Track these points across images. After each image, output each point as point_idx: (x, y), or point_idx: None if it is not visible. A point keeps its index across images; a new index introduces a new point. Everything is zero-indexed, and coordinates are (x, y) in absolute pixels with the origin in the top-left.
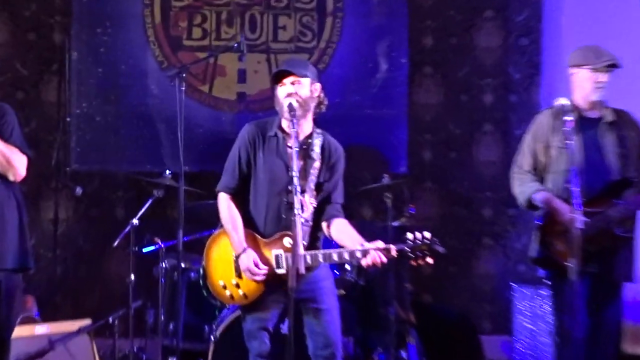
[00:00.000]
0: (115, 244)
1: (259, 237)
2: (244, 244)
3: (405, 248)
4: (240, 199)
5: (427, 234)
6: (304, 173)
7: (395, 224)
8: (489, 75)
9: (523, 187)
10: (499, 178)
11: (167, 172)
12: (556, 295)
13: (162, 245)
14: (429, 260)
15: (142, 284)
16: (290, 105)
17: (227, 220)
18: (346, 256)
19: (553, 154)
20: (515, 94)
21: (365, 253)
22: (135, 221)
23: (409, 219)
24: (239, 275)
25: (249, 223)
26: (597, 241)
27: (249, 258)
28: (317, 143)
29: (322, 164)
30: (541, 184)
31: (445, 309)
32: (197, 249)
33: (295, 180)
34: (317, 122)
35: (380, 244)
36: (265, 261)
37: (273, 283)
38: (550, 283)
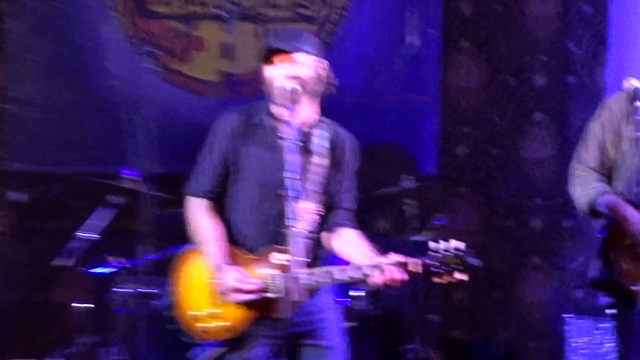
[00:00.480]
0: (61, 263)
1: (241, 253)
2: (221, 259)
3: (430, 261)
4: (218, 206)
5: (459, 243)
6: (303, 172)
7: (418, 238)
8: (543, 52)
9: (585, 188)
10: (553, 181)
11: (129, 173)
12: (621, 327)
13: (121, 265)
14: (461, 276)
15: (94, 314)
16: (284, 89)
17: (200, 230)
18: (352, 273)
19: (625, 148)
20: (574, 76)
21: (377, 269)
22: (88, 235)
23: (436, 233)
24: (215, 303)
25: (231, 235)
26: None
27: (233, 273)
28: (323, 135)
29: (330, 160)
30: (609, 185)
31: (482, 347)
32: (165, 270)
33: (288, 182)
34: (326, 111)
35: (396, 257)
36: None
37: (261, 313)
38: (614, 312)
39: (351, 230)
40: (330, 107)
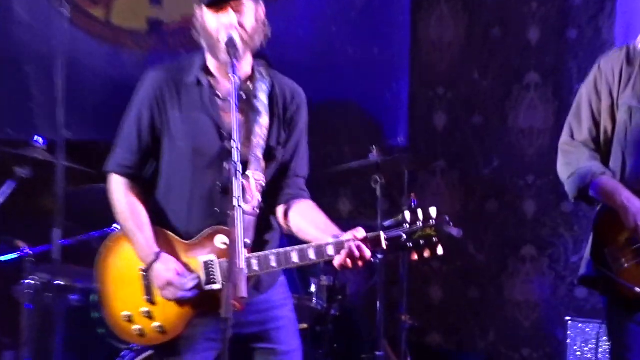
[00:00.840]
0: None
1: (177, 238)
2: (155, 247)
3: (401, 233)
4: (146, 184)
5: (433, 210)
6: (246, 135)
7: (388, 222)
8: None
9: (574, 167)
10: (548, 155)
11: (39, 140)
12: (615, 334)
13: (29, 252)
14: (439, 250)
15: None
16: (231, 40)
17: (125, 215)
18: (312, 255)
19: (623, 119)
20: (575, 28)
21: (339, 247)
22: None
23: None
24: (150, 300)
25: (162, 220)
26: None
27: (166, 265)
28: (262, 88)
29: (272, 118)
30: (604, 164)
31: (462, 355)
32: (83, 258)
33: (235, 152)
34: (271, 64)
35: (361, 232)
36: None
37: (204, 310)
38: (608, 316)
39: (307, 202)
40: (275, 63)
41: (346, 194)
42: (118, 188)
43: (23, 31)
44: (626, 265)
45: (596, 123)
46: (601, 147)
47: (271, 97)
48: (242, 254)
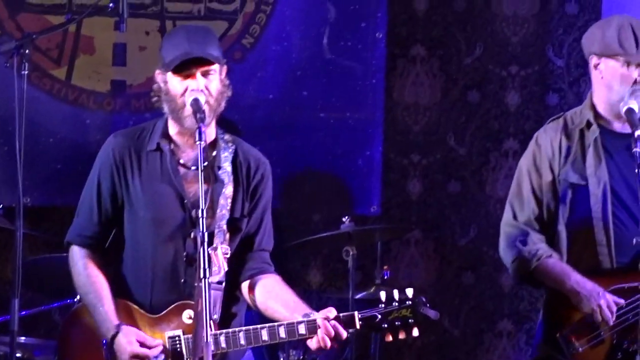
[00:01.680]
0: None
1: (141, 311)
2: (115, 320)
3: (376, 314)
4: (108, 253)
5: (409, 291)
6: (210, 206)
7: (360, 295)
8: (515, 61)
9: (517, 250)
10: None
11: None
12: None
13: None
14: (414, 332)
15: None
16: (196, 103)
17: (85, 288)
18: (282, 333)
19: (566, 196)
20: (556, 93)
21: (312, 326)
22: None
23: (381, 289)
24: None
25: (125, 291)
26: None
27: (128, 338)
28: (225, 157)
29: (237, 188)
30: (549, 244)
31: None
32: (42, 328)
33: (202, 221)
34: (239, 131)
35: (333, 312)
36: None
37: None
38: None
39: (273, 276)
40: (242, 127)
41: (316, 265)
42: (78, 260)
43: None
44: (580, 349)
45: (538, 201)
46: (545, 226)
47: (234, 165)
48: (208, 326)
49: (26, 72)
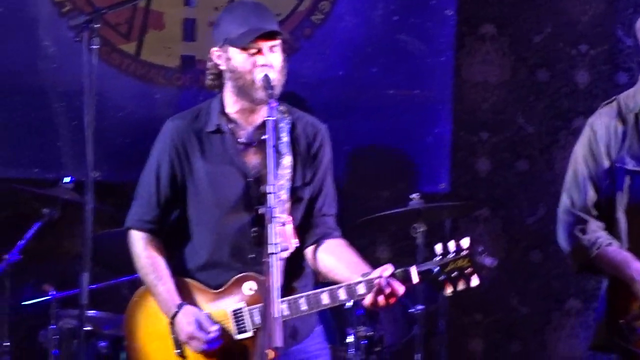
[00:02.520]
0: None
1: (203, 287)
2: (177, 300)
3: (432, 268)
4: (170, 234)
5: (465, 240)
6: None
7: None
8: (585, 40)
9: (576, 238)
10: None
11: (67, 180)
12: None
13: (55, 296)
14: (474, 280)
15: (22, 355)
16: (266, 79)
17: (145, 269)
18: (342, 295)
19: (623, 183)
20: (626, 72)
21: (371, 285)
22: (11, 257)
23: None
24: (180, 353)
25: (189, 270)
26: None
27: (187, 317)
28: (281, 127)
29: (295, 158)
30: (608, 231)
31: None
32: (111, 302)
33: (271, 197)
34: (307, 108)
35: (390, 268)
36: (217, 323)
37: (234, 359)
38: None
39: (337, 240)
40: (308, 105)
41: (384, 242)
42: (137, 243)
43: (51, 66)
44: None
45: (596, 188)
46: (604, 212)
47: (293, 136)
48: (278, 302)
49: (96, 47)
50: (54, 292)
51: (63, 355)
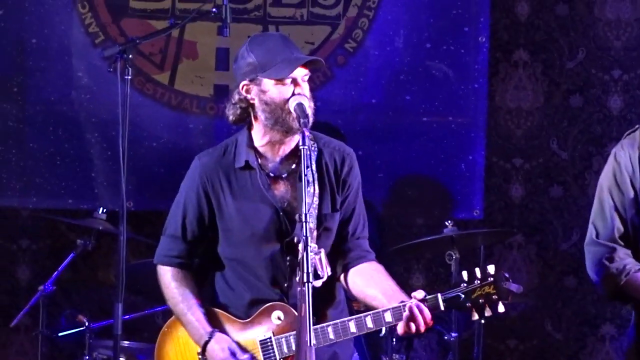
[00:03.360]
0: (14, 322)
1: (231, 317)
2: (208, 327)
3: (459, 294)
4: (197, 274)
5: (491, 268)
6: (298, 207)
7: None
8: (618, 65)
9: (605, 267)
10: None
11: (101, 210)
12: None
13: (90, 327)
14: (500, 307)
15: None
16: (300, 107)
17: (174, 300)
18: (370, 323)
19: None
20: None
21: (398, 313)
22: (46, 287)
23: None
24: None
25: (221, 302)
26: None
27: (220, 345)
28: (308, 156)
29: (322, 185)
30: (636, 259)
31: None
32: (145, 332)
33: (306, 227)
34: (342, 135)
35: (420, 293)
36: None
37: None
38: None
39: (372, 264)
40: (345, 130)
41: (419, 269)
42: (165, 275)
43: (85, 96)
44: None
45: (622, 218)
46: (630, 242)
47: (320, 163)
48: (311, 331)
49: (129, 77)
50: (89, 323)
51: None
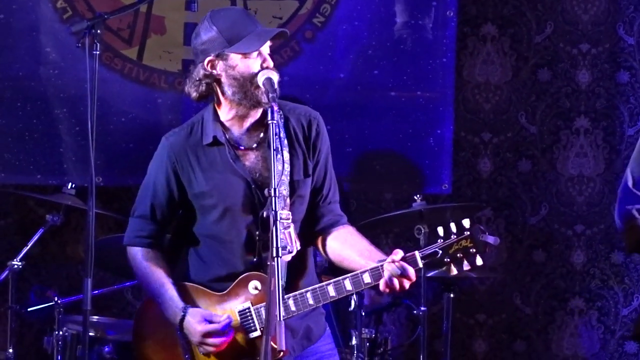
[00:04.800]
0: None
1: (207, 290)
2: (180, 303)
3: (437, 250)
4: (168, 251)
5: (466, 221)
6: (269, 176)
7: (432, 273)
8: (586, 39)
9: (633, 217)
10: (598, 204)
11: (69, 185)
12: None
13: (59, 302)
14: (478, 260)
15: None
16: (269, 82)
17: (147, 278)
18: (348, 286)
19: None
20: (627, 71)
21: (377, 275)
22: (15, 263)
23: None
24: (190, 358)
25: (195, 277)
26: None
27: (195, 317)
28: (277, 124)
29: (292, 151)
30: None
31: None
32: (114, 307)
33: (274, 200)
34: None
35: (399, 253)
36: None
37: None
38: None
39: (347, 228)
40: (314, 106)
41: (388, 244)
42: (135, 256)
43: (53, 72)
44: None
45: None
46: None
47: (287, 130)
48: (281, 305)
49: (98, 52)
50: (58, 298)
51: None
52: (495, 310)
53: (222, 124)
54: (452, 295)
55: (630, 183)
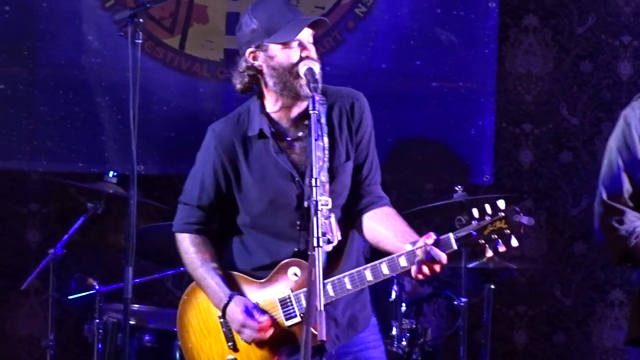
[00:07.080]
0: (25, 285)
1: (248, 278)
2: (227, 290)
3: (471, 232)
4: (220, 233)
5: (501, 202)
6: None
7: (473, 264)
8: (628, 31)
9: (614, 229)
10: None
11: (111, 174)
12: None
13: (100, 290)
14: (513, 242)
15: (66, 349)
16: (310, 72)
17: (195, 264)
18: (385, 270)
19: None
20: None
21: (412, 257)
22: (56, 251)
23: (493, 258)
24: (233, 346)
25: (239, 265)
26: None
27: (239, 306)
28: (319, 112)
29: (332, 137)
30: None
31: None
32: (155, 296)
33: (315, 190)
34: None
35: (431, 237)
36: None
37: (287, 347)
38: None
39: (385, 208)
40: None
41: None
42: (183, 242)
43: (95, 60)
44: None
45: (631, 179)
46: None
47: (330, 115)
48: (322, 295)
49: (140, 41)
50: (99, 286)
51: (107, 349)
52: (536, 302)
53: (268, 116)
54: (492, 287)
55: (605, 196)
